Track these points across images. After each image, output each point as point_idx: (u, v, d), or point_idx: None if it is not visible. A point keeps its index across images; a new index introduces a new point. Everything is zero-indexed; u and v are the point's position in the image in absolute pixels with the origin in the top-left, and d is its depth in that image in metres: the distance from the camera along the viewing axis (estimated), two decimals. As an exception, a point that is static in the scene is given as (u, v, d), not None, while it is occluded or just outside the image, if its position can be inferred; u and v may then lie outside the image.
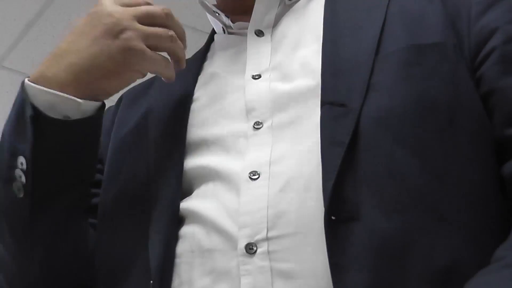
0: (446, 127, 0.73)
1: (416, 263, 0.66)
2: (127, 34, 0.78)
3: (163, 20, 0.81)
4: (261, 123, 0.79)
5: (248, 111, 0.81)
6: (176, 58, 0.83)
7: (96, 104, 0.82)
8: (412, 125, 0.72)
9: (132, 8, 0.81)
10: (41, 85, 0.78)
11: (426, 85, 0.74)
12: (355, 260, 0.66)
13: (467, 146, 0.73)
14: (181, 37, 0.83)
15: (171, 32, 0.81)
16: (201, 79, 0.90)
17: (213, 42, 0.97)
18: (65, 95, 0.78)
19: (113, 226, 0.84)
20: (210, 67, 0.91)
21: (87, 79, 0.79)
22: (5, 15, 2.73)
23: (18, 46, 2.81)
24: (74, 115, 0.79)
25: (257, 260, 0.70)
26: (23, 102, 0.79)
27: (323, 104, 0.75)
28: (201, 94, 0.87)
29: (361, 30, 0.80)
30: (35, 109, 0.77)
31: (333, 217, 0.68)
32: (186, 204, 0.78)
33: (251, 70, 0.85)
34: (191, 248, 0.76)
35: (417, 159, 0.70)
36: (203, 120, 0.84)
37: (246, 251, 0.71)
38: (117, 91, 0.84)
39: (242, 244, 0.72)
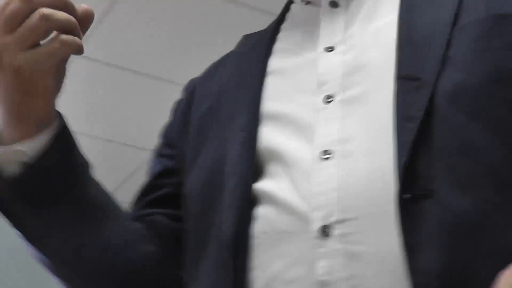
0: None
1: (490, 241, 0.65)
2: (4, 58, 0.74)
3: (24, 9, 0.73)
4: (331, 96, 0.78)
5: (320, 85, 0.79)
6: (64, 29, 0.74)
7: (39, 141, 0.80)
8: (488, 99, 0.70)
9: None
10: None
11: (504, 57, 0.72)
12: (429, 238, 0.65)
13: None
14: (56, 3, 0.74)
15: (40, 12, 0.73)
16: (275, 52, 0.89)
17: (288, 12, 0.95)
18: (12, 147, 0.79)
19: (196, 207, 0.84)
20: (284, 39, 0.90)
21: (14, 116, 0.79)
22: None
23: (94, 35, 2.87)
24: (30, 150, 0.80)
25: (332, 243, 0.70)
26: None
27: (397, 78, 0.73)
28: (274, 67, 0.86)
29: (438, 0, 0.78)
30: None
31: (406, 195, 0.67)
32: (259, 184, 0.78)
33: (324, 43, 0.83)
34: (264, 230, 0.75)
35: (492, 134, 0.69)
36: (276, 94, 0.83)
37: (321, 233, 0.71)
38: (53, 99, 0.81)
39: (316, 226, 0.71)
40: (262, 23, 0.99)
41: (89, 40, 2.85)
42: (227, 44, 1.02)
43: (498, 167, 0.68)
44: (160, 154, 0.97)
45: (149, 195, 0.94)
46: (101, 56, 2.97)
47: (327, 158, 0.74)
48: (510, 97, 0.70)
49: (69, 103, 3.10)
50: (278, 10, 0.97)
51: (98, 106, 3.27)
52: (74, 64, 2.87)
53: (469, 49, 0.73)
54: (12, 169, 0.79)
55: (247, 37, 0.98)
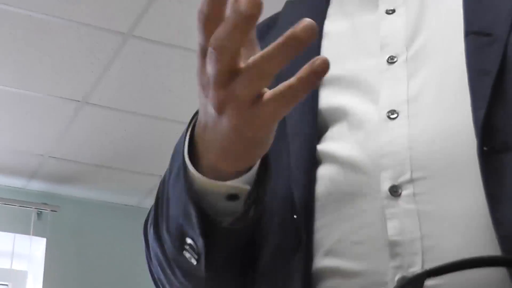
0: None
1: None
2: (227, 111, 0.61)
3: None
4: (395, 57, 0.77)
5: (382, 47, 0.78)
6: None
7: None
8: None
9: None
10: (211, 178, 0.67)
11: None
12: (510, 191, 0.64)
13: None
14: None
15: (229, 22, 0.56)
16: (330, 15, 0.87)
17: None
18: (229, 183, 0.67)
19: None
20: (339, 3, 0.88)
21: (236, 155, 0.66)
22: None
23: (147, 15, 2.89)
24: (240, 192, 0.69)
25: (403, 203, 0.68)
26: (188, 197, 0.68)
27: (467, 34, 0.72)
28: (331, 29, 0.85)
29: None
30: (201, 211, 0.68)
31: (485, 148, 0.66)
32: (322, 146, 0.76)
33: (384, 4, 0.82)
34: (328, 191, 0.74)
35: None
36: (335, 56, 0.80)
37: (391, 193, 0.69)
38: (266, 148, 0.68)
39: (385, 186, 0.70)
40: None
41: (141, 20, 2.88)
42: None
43: None
44: None
45: None
46: (153, 36, 3.00)
47: (395, 118, 0.73)
48: None
49: (121, 82, 3.21)
50: None
51: (152, 84, 3.30)
52: (126, 45, 2.98)
53: None
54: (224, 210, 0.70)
55: (292, 2, 0.95)
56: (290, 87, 0.58)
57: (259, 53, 0.57)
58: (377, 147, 0.72)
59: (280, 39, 0.56)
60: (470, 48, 0.72)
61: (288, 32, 0.56)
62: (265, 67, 0.57)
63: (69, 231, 4.20)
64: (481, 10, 0.74)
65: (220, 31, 0.56)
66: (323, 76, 0.57)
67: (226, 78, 0.58)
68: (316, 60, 0.56)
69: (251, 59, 0.57)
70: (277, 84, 0.79)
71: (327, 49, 0.83)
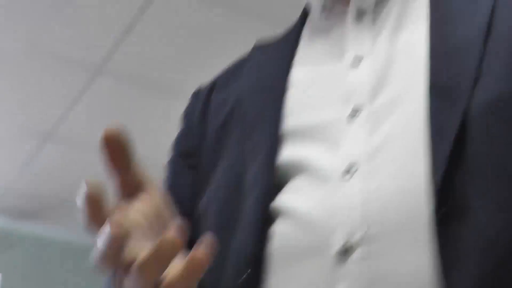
0: None
1: None
2: None
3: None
4: (358, 110, 0.75)
5: (346, 98, 0.77)
6: None
7: None
8: None
9: None
10: None
11: None
12: (463, 256, 0.63)
13: None
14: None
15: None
16: (296, 63, 0.86)
17: (307, 21, 0.93)
18: None
19: (212, 219, 0.81)
20: (306, 50, 0.88)
21: None
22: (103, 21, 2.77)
23: (118, 51, 2.88)
24: None
25: (353, 265, 0.67)
26: None
27: (430, 91, 0.71)
28: (297, 79, 0.84)
29: (469, 11, 0.76)
30: None
31: (441, 211, 0.64)
32: (279, 200, 0.75)
33: (351, 55, 0.81)
34: (282, 248, 0.72)
35: None
36: (299, 107, 0.81)
37: (342, 253, 0.68)
38: None
39: (336, 246, 0.68)
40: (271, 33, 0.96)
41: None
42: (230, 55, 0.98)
43: None
44: (175, 163, 0.92)
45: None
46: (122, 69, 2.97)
47: (353, 172, 0.71)
48: None
49: (87, 118, 3.17)
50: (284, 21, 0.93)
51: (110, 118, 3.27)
52: (96, 80, 2.95)
53: (505, 59, 0.71)
54: None
55: (260, 46, 0.95)
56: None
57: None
58: (333, 203, 0.71)
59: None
60: (431, 106, 0.70)
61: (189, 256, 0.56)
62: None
63: (25, 268, 4.15)
64: (445, 65, 0.73)
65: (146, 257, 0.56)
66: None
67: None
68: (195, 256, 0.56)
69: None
70: (229, 128, 0.75)
71: (292, 99, 0.82)
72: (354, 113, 0.75)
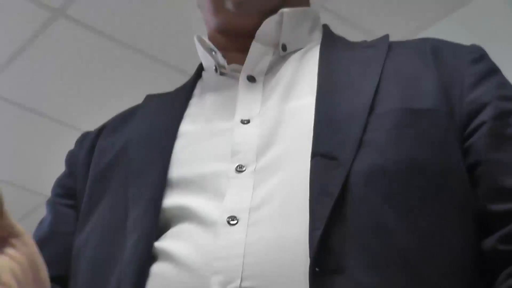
0: (433, 193, 0.74)
1: None
2: None
3: None
4: (244, 166, 0.78)
5: (233, 154, 0.80)
6: None
7: None
8: (401, 185, 0.73)
9: None
10: None
11: (417, 148, 0.75)
12: None
13: (452, 213, 0.74)
14: None
15: None
16: (187, 117, 0.88)
17: (201, 79, 0.96)
18: None
19: (89, 257, 0.81)
20: (198, 106, 0.90)
21: None
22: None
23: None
24: None
25: None
26: None
27: (314, 155, 0.75)
28: (186, 132, 0.86)
29: (356, 86, 0.81)
30: None
31: (317, 269, 0.66)
32: (160, 243, 0.76)
33: (240, 115, 0.84)
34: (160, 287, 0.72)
35: (403, 219, 0.71)
36: (186, 158, 0.82)
37: None
38: None
39: None
40: (170, 80, 0.98)
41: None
42: (132, 97, 1.00)
43: (406, 251, 0.70)
44: (57, 204, 0.92)
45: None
46: (7, 94, 2.89)
47: (234, 224, 0.73)
48: (423, 187, 0.73)
49: None
50: (185, 67, 0.97)
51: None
52: None
53: (384, 136, 0.76)
54: None
55: (153, 97, 0.97)
56: None
57: None
58: (213, 251, 0.72)
59: None
60: (315, 169, 0.74)
61: None
62: None
63: None
64: (329, 134, 0.76)
65: None
66: None
67: None
68: None
69: None
70: (113, 171, 0.77)
71: (180, 150, 0.84)
72: (240, 168, 0.78)
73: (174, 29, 2.60)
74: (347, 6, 2.51)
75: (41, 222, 0.92)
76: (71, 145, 0.98)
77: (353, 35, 0.99)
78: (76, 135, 1.00)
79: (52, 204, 0.93)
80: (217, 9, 0.92)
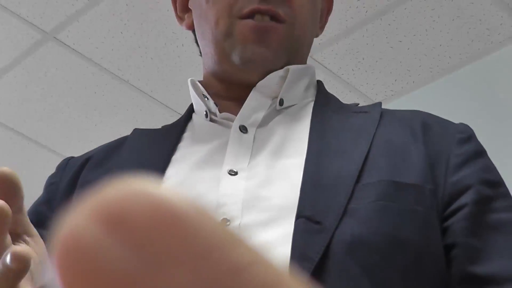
0: (412, 268, 0.74)
1: None
2: None
3: None
4: (228, 221, 0.77)
5: (218, 206, 0.78)
6: None
7: None
8: (380, 257, 0.73)
9: None
10: None
11: (399, 223, 0.75)
12: None
13: None
14: None
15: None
16: (174, 161, 0.87)
17: (191, 121, 0.95)
18: None
19: None
20: (186, 150, 0.89)
21: None
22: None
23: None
24: None
25: None
26: None
27: (298, 216, 0.75)
28: (172, 175, 0.85)
29: (345, 154, 0.81)
30: None
31: None
32: None
33: (228, 165, 0.83)
34: None
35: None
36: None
37: None
38: None
39: None
40: (154, 115, 0.97)
41: (-22, 92, 2.76)
42: (114, 128, 0.99)
43: None
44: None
45: None
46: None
47: None
48: (402, 262, 0.74)
49: None
50: (172, 105, 0.96)
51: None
52: None
53: (368, 207, 0.76)
54: None
55: (141, 133, 0.96)
56: None
57: None
58: None
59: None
60: (298, 231, 0.74)
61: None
62: None
63: None
64: (315, 198, 0.76)
65: None
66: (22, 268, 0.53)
67: None
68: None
69: None
70: None
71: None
72: (225, 222, 0.77)
73: (165, 65, 2.61)
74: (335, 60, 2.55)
75: None
76: (48, 168, 0.96)
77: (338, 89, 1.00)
78: (55, 159, 0.99)
79: None
80: (222, 60, 0.91)
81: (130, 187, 0.18)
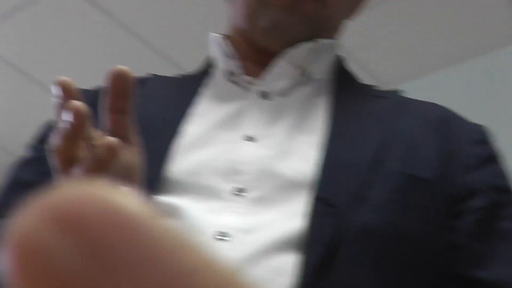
0: (417, 263, 0.74)
1: None
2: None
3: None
4: (242, 189, 0.76)
5: (233, 172, 0.78)
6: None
7: None
8: (388, 248, 0.73)
9: None
10: None
11: (410, 217, 0.75)
12: None
13: (430, 286, 0.75)
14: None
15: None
16: (192, 116, 0.85)
17: (207, 77, 0.92)
18: None
19: None
20: (205, 107, 0.86)
21: None
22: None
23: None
24: None
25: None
26: None
27: (314, 198, 0.74)
28: (191, 132, 0.82)
29: (363, 139, 0.80)
30: None
31: None
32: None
33: (245, 130, 0.82)
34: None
35: (380, 279, 0.71)
36: (185, 164, 0.78)
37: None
38: None
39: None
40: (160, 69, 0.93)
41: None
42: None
43: None
44: (29, 166, 0.84)
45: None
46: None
47: (224, 239, 0.71)
48: (409, 255, 0.74)
49: None
50: (176, 58, 0.92)
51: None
52: None
53: (383, 197, 0.75)
54: None
55: (158, 79, 0.93)
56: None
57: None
58: None
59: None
60: (313, 213, 0.73)
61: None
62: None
63: None
64: (331, 181, 0.76)
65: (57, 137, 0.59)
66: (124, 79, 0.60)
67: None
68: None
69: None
70: None
71: (179, 151, 0.80)
72: (237, 192, 0.76)
73: (178, 22, 2.59)
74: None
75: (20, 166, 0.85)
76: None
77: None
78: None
79: (22, 163, 0.85)
80: (250, 19, 0.89)
81: (84, 189, 0.18)
